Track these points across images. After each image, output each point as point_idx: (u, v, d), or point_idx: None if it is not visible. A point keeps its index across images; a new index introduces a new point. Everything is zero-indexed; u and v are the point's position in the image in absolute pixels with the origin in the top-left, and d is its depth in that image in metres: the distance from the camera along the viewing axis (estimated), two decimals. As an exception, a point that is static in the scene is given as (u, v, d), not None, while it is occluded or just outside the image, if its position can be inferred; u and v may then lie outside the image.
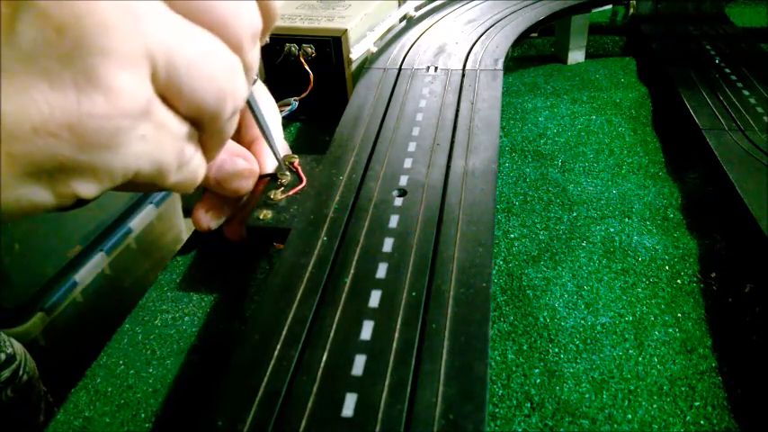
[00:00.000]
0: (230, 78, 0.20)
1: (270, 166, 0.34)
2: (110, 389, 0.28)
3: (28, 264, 0.64)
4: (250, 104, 0.29)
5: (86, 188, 0.18)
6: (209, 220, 0.33)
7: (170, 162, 0.20)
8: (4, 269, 0.61)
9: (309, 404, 0.21)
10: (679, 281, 0.33)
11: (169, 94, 0.19)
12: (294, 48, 0.47)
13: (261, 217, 0.31)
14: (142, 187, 0.22)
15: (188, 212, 0.95)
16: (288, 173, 0.34)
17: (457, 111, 0.39)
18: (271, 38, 0.38)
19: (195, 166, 0.22)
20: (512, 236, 0.37)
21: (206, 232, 0.33)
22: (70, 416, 0.27)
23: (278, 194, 0.32)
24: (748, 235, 0.33)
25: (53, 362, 0.53)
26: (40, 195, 0.17)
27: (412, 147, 0.35)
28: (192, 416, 0.27)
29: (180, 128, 0.20)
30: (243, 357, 0.23)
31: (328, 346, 0.23)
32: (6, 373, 0.44)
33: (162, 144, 0.19)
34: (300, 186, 0.33)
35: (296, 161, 0.34)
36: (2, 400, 0.44)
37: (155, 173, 0.20)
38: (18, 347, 0.47)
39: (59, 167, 0.17)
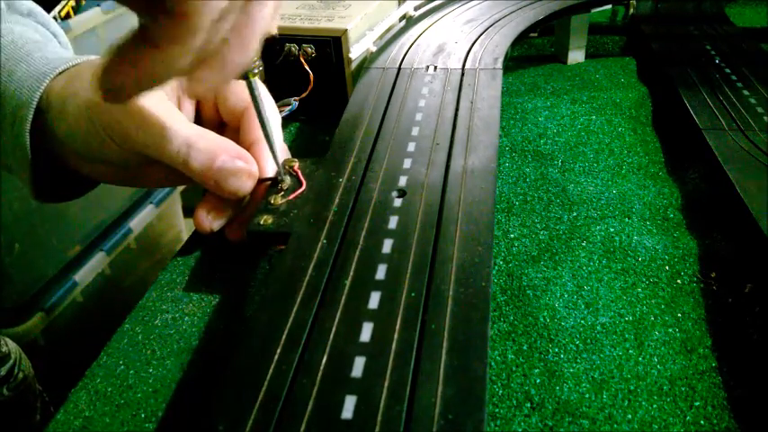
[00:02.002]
0: None
1: (269, 168, 0.34)
2: (110, 389, 0.28)
3: (28, 264, 0.64)
4: (255, 100, 0.29)
5: None
6: (210, 221, 0.33)
7: None
8: (4, 269, 0.61)
9: (309, 407, 0.21)
10: (679, 281, 0.33)
11: None
12: (294, 48, 0.47)
13: (261, 222, 0.31)
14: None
15: (188, 212, 0.96)
16: (288, 177, 0.34)
17: (456, 110, 0.39)
18: (271, 38, 0.38)
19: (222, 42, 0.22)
20: (512, 236, 0.37)
21: (208, 234, 0.33)
22: (70, 416, 0.27)
23: (278, 199, 0.32)
24: (748, 235, 0.33)
25: (53, 362, 0.53)
26: None
27: (411, 147, 0.35)
28: (192, 416, 0.27)
29: None
30: (243, 361, 0.23)
31: (328, 349, 0.23)
32: (2, 372, 0.45)
33: None
34: (300, 190, 0.33)
35: (296, 165, 0.34)
36: None
37: None
38: (12, 346, 0.47)
39: None
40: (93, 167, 0.35)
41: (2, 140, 0.33)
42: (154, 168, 0.34)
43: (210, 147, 0.31)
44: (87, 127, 0.31)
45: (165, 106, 0.32)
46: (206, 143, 0.31)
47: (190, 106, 0.37)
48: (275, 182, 0.33)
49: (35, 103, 0.32)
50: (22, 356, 0.47)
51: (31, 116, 0.32)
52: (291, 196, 0.32)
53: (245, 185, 0.32)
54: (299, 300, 0.25)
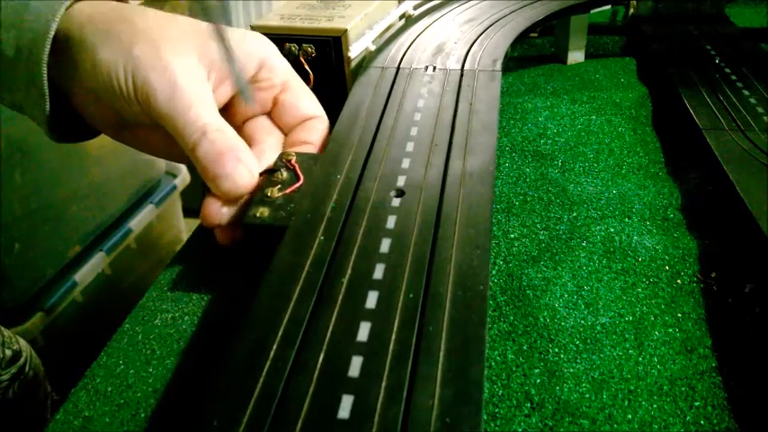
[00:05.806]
0: None
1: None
2: (110, 389, 0.28)
3: (28, 264, 0.64)
4: (226, 50, 0.29)
5: None
6: (222, 213, 0.32)
7: None
8: (4, 269, 0.61)
9: (305, 406, 0.20)
10: (679, 281, 0.33)
11: None
12: (294, 47, 0.47)
13: (257, 215, 0.31)
14: None
15: (188, 212, 0.96)
16: (284, 170, 0.34)
17: (455, 111, 0.39)
18: (271, 38, 0.38)
19: None
20: (512, 236, 0.37)
21: (214, 227, 0.33)
22: (70, 416, 0.27)
23: (275, 192, 0.32)
24: (748, 235, 0.33)
25: (53, 362, 0.53)
26: None
27: (410, 147, 0.35)
28: (192, 416, 0.27)
29: None
30: (238, 357, 0.23)
31: (324, 347, 0.23)
32: (13, 369, 0.45)
33: None
34: (297, 185, 0.33)
35: (293, 158, 0.34)
36: (9, 397, 0.44)
37: None
38: (24, 344, 0.47)
39: None
40: (99, 114, 0.34)
41: (14, 76, 0.31)
42: (156, 135, 0.34)
43: (222, 142, 0.31)
44: (116, 74, 0.31)
45: (200, 87, 0.32)
46: (219, 136, 0.31)
47: (227, 91, 0.36)
48: (271, 172, 0.33)
49: (52, 33, 0.30)
50: (33, 354, 0.48)
51: (48, 48, 0.30)
52: (288, 190, 0.32)
53: (239, 190, 0.32)
54: (295, 296, 0.25)
